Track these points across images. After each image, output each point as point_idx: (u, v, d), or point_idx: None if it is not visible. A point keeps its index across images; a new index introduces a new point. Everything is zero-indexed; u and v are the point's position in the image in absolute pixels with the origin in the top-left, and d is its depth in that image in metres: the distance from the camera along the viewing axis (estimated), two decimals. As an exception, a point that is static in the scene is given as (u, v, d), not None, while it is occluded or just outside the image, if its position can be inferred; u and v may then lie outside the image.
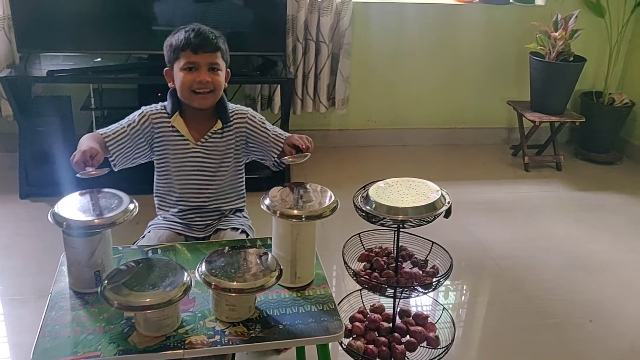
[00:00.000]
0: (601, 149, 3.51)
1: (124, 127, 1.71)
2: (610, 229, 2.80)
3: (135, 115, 1.75)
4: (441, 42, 3.41)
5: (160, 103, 1.79)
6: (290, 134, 1.75)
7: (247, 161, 1.88)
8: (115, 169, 1.72)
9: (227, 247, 1.44)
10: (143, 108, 1.77)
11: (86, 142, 1.59)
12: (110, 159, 1.70)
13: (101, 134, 1.68)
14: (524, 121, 3.37)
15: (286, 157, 1.64)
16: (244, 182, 1.88)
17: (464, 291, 2.37)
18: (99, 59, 2.80)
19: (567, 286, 2.35)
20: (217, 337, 1.31)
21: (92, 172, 1.47)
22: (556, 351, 2.00)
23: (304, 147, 1.65)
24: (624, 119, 3.49)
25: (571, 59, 3.24)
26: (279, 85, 3.06)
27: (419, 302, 2.11)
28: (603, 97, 3.47)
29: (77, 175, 1.47)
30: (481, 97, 3.58)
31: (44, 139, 2.76)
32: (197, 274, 1.35)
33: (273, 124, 1.84)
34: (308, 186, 1.55)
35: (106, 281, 1.29)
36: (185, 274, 1.33)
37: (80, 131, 2.89)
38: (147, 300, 1.25)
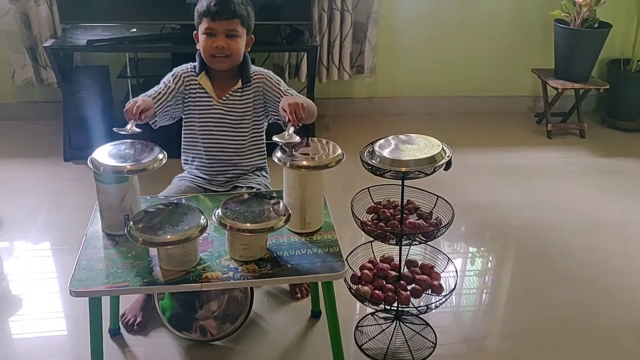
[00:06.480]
0: (628, 116, 3.50)
1: (162, 89, 1.85)
2: (631, 193, 2.83)
3: (169, 76, 1.90)
4: (467, 9, 3.45)
5: (191, 63, 1.94)
6: (290, 95, 1.83)
7: (269, 122, 2.01)
8: (155, 127, 1.87)
9: (243, 195, 1.58)
10: (175, 69, 1.92)
11: (143, 97, 1.75)
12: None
13: (149, 96, 1.81)
14: (548, 89, 3.40)
15: (274, 137, 1.59)
16: (264, 141, 2.02)
17: (479, 249, 2.46)
18: (135, 30, 2.97)
19: (579, 244, 2.42)
20: (231, 273, 1.46)
21: (129, 130, 1.60)
22: (566, 303, 2.09)
23: (293, 121, 1.64)
24: (652, 86, 3.47)
25: (596, 25, 3.24)
26: (305, 55, 3.17)
27: (428, 254, 2.22)
28: (631, 64, 3.45)
29: (114, 129, 1.62)
30: (506, 65, 3.61)
31: (85, 105, 2.96)
32: (213, 218, 1.50)
33: (299, 92, 1.95)
34: (316, 141, 1.68)
35: (132, 222, 1.45)
36: (202, 216, 1.48)
37: (117, 98, 3.09)
38: (168, 237, 1.40)
